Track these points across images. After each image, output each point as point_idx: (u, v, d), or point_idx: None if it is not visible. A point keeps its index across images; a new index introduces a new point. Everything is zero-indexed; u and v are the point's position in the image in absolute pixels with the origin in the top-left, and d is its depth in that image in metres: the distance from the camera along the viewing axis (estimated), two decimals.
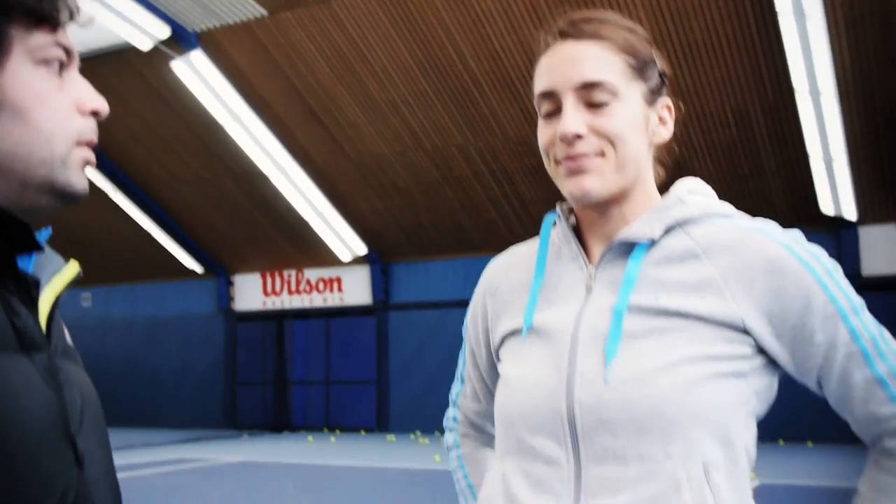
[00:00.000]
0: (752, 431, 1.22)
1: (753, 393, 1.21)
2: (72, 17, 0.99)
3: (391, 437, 16.68)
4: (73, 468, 0.93)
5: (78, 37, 1.00)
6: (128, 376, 20.45)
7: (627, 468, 1.14)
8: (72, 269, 1.06)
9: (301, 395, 19.13)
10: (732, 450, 1.17)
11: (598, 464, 1.16)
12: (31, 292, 0.96)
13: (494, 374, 1.39)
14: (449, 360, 17.72)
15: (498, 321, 1.36)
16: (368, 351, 18.31)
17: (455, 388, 1.53)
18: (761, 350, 1.20)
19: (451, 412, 1.55)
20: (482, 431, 1.51)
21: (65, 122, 0.96)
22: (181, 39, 14.19)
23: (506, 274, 1.39)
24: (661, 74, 1.30)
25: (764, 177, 13.80)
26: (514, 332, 1.32)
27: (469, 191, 15.77)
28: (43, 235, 1.02)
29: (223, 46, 14.40)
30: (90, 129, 0.99)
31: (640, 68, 1.26)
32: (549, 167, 1.27)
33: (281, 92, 14.92)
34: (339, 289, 18.68)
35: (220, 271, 19.74)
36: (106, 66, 15.13)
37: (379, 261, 18.01)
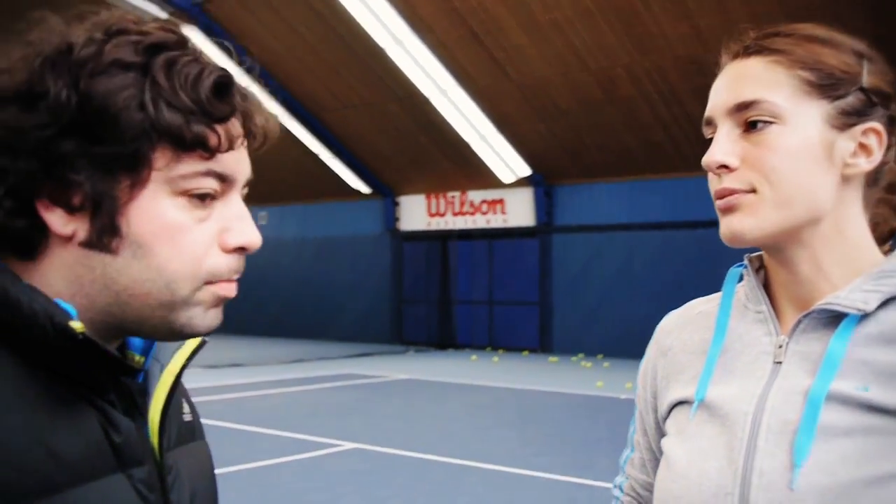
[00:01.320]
0: None
1: None
2: (233, 144, 0.85)
3: (553, 359, 16.81)
4: None
5: None
6: (301, 292, 21.54)
7: None
8: (193, 340, 0.98)
9: (465, 315, 19.52)
10: None
11: None
12: (136, 400, 0.90)
13: (661, 444, 1.21)
14: (612, 285, 17.60)
15: (668, 387, 1.17)
16: (531, 272, 18.37)
17: (625, 453, 1.32)
18: None
19: (619, 479, 1.34)
20: None
21: (197, 260, 0.85)
22: None
23: (680, 332, 1.19)
24: (867, 91, 1.03)
25: None
26: (684, 403, 1.12)
27: (635, 112, 15.26)
28: None
29: None
30: (229, 269, 0.88)
31: (824, 84, 1.02)
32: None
33: (443, 14, 14.80)
34: (503, 210, 18.72)
35: (387, 192, 20.20)
36: None
37: (542, 183, 17.87)
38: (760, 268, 1.13)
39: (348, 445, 8.35)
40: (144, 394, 0.92)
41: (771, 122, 1.01)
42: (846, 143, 1.02)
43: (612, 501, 1.34)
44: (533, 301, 18.31)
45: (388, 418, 10.01)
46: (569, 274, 17.72)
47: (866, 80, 1.04)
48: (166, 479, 0.92)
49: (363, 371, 14.82)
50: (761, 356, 1.06)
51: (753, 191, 1.02)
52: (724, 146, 1.03)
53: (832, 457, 0.95)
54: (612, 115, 15.51)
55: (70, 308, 0.81)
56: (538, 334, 18.15)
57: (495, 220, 18.84)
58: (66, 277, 0.84)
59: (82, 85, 0.79)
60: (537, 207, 18.05)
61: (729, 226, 1.03)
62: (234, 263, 0.88)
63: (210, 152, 0.83)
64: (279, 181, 21.09)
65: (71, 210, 0.82)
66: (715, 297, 1.19)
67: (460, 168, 18.47)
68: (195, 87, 0.82)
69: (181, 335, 0.88)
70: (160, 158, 0.82)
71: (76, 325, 0.79)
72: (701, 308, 1.20)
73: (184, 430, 1.01)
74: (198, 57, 0.85)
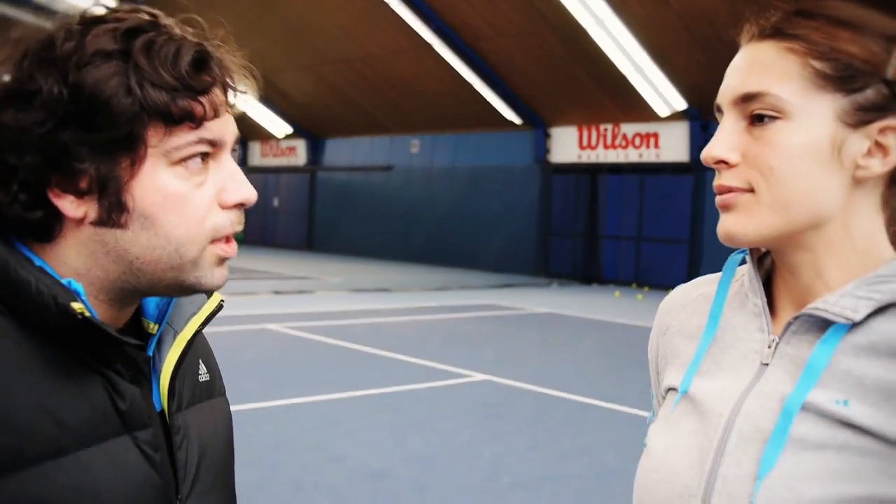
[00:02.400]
0: None
1: None
2: (217, 111, 0.91)
3: None
4: None
5: None
6: (450, 220, 21.83)
7: None
8: (209, 306, 1.05)
9: (612, 250, 19.26)
10: None
11: None
12: (142, 368, 0.96)
13: None
14: None
15: (665, 368, 1.13)
16: (682, 210, 17.84)
17: (648, 417, 1.28)
18: None
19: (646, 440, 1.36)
20: None
21: (200, 223, 0.91)
22: None
23: (679, 313, 1.14)
24: (891, 84, 0.92)
25: None
26: (673, 391, 1.08)
27: None
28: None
29: None
30: (230, 223, 0.94)
31: (840, 77, 0.92)
32: None
33: None
34: (656, 145, 18.19)
35: (538, 123, 19.99)
36: None
37: (699, 117, 17.18)
38: (766, 254, 1.06)
39: (479, 377, 8.51)
40: (149, 363, 0.98)
41: (776, 118, 0.93)
42: (860, 141, 0.93)
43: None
44: (683, 239, 17.82)
45: (521, 351, 10.11)
46: None
47: (892, 70, 0.92)
48: (173, 439, 0.98)
49: (504, 302, 14.95)
50: (751, 354, 1.00)
51: (751, 190, 0.95)
52: (725, 139, 0.96)
53: (798, 471, 0.89)
54: None
55: (80, 288, 0.88)
56: (686, 273, 17.68)
57: (648, 155, 18.33)
58: (81, 254, 0.91)
59: (71, 78, 0.85)
60: (692, 143, 17.41)
61: (723, 225, 0.97)
62: (234, 218, 0.94)
63: (197, 123, 0.89)
64: (431, 110, 21.26)
65: (80, 194, 0.88)
66: (718, 278, 1.11)
67: (614, 100, 18.00)
68: (175, 64, 0.87)
69: (191, 292, 0.96)
70: (153, 135, 0.88)
71: (77, 306, 0.85)
72: (703, 289, 1.13)
73: (199, 389, 1.07)
74: (172, 35, 0.89)
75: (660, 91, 16.76)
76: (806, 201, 0.93)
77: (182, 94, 0.87)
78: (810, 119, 0.93)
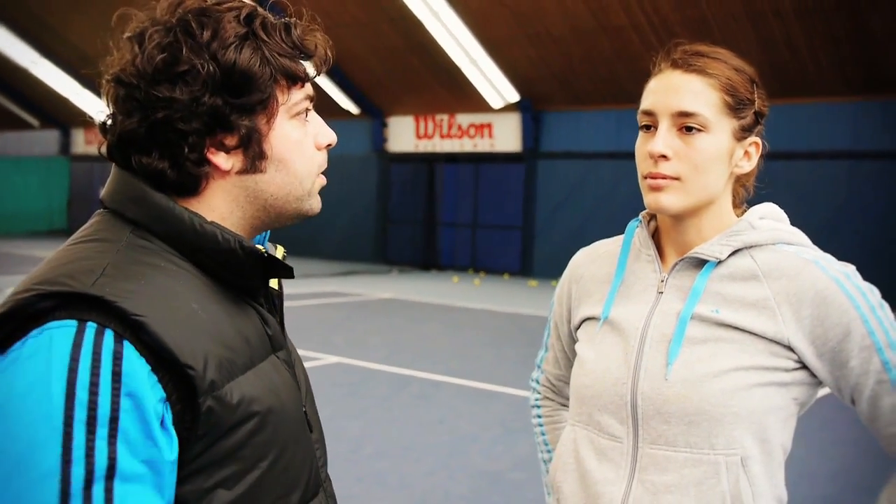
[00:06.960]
0: (789, 430, 1.43)
1: (792, 399, 1.41)
2: (319, 70, 1.17)
3: (533, 283, 17.19)
4: (309, 436, 1.20)
5: None
6: None
7: (677, 452, 1.38)
8: (277, 253, 1.25)
9: (449, 237, 19.81)
10: (769, 446, 1.39)
11: (653, 445, 1.39)
12: (275, 301, 1.21)
13: (573, 347, 1.64)
14: (595, 210, 17.78)
15: (580, 306, 1.59)
16: (516, 197, 18.61)
17: (540, 354, 1.77)
18: (804, 365, 1.39)
19: (535, 374, 1.79)
20: (561, 394, 1.75)
21: (311, 161, 1.17)
22: None
23: (589, 265, 1.61)
24: (757, 114, 1.44)
25: None
26: (592, 319, 1.54)
27: (626, 41, 15.31)
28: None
29: None
30: (324, 160, 1.20)
31: (736, 107, 1.41)
32: (639, 177, 1.46)
33: None
34: (490, 135, 18.85)
35: (376, 113, 20.25)
36: None
37: (530, 108, 17.97)
38: (651, 220, 1.55)
39: (331, 359, 8.72)
40: (281, 297, 1.25)
41: (701, 130, 1.39)
42: (739, 150, 1.45)
43: (532, 392, 1.79)
44: (516, 225, 18.61)
45: (370, 335, 10.37)
46: (552, 199, 17.97)
47: (757, 104, 1.44)
48: (292, 360, 1.23)
49: (347, 289, 15.16)
50: (649, 287, 1.49)
51: (677, 178, 1.40)
52: (666, 140, 1.40)
53: (692, 358, 1.39)
54: (604, 43, 15.57)
55: (241, 235, 1.11)
56: (520, 258, 18.50)
57: (482, 144, 18.99)
58: (226, 200, 1.13)
59: (220, 57, 1.06)
60: (524, 133, 18.19)
61: (657, 201, 1.42)
62: (325, 156, 1.21)
63: (310, 81, 1.15)
64: None
65: (228, 150, 1.10)
66: (615, 240, 1.62)
67: (450, 91, 18.51)
68: (288, 36, 1.13)
69: (303, 218, 1.21)
70: (281, 94, 1.12)
71: (261, 247, 1.10)
72: (605, 248, 1.62)
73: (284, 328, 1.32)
74: (268, 14, 1.15)
75: (493, 83, 17.40)
76: (711, 189, 1.43)
77: (299, 59, 1.13)
78: (720, 134, 1.41)
